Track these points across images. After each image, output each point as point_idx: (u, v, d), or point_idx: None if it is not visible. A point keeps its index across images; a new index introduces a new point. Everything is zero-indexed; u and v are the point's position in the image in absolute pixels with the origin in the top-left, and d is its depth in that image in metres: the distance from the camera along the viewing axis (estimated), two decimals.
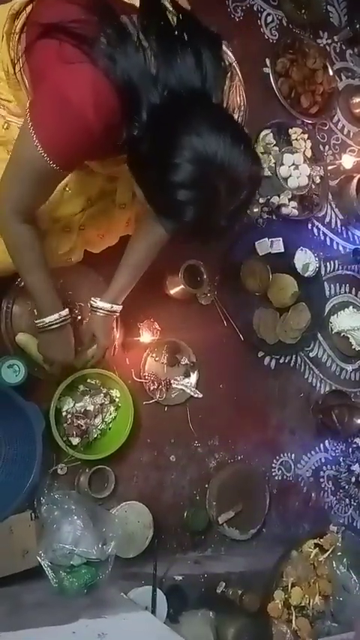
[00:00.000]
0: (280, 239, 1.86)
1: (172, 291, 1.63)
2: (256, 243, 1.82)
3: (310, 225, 2.01)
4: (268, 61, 1.96)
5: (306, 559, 1.63)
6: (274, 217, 1.91)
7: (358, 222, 2.09)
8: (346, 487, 1.92)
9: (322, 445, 1.91)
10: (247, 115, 1.32)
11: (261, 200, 1.87)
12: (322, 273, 1.98)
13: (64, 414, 1.43)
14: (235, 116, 1.26)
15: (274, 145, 1.91)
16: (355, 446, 1.96)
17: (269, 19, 2.01)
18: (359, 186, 2.04)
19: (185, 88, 0.89)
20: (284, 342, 1.83)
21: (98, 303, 1.38)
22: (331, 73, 2.07)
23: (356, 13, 2.20)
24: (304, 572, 1.59)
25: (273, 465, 1.80)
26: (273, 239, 1.85)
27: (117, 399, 1.51)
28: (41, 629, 1.08)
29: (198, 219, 0.87)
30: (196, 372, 1.66)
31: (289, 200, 1.91)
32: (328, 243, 2.04)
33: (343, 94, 2.16)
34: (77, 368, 1.44)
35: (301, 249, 1.89)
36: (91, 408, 1.46)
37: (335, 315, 1.99)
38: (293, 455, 1.84)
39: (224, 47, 1.05)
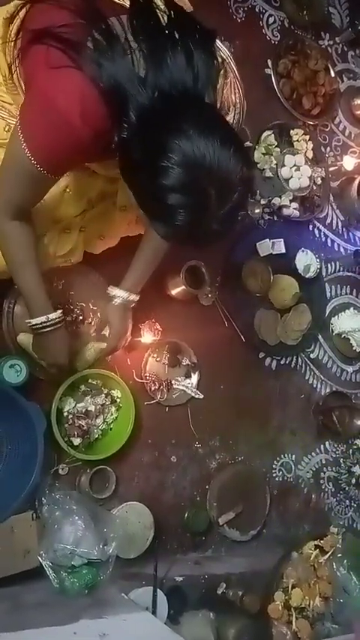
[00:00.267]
0: (282, 240, 1.86)
1: (174, 292, 1.63)
2: (257, 244, 1.82)
3: (311, 227, 2.01)
4: (269, 62, 1.96)
5: (306, 560, 1.63)
6: (275, 218, 1.91)
7: (359, 223, 2.09)
8: (347, 489, 1.92)
9: (322, 446, 1.91)
10: (245, 113, 1.28)
11: (262, 201, 1.87)
12: (323, 274, 1.98)
13: (65, 414, 1.44)
14: (231, 114, 1.24)
15: (276, 146, 1.91)
16: (355, 447, 1.96)
17: (271, 20, 2.02)
18: None
19: (176, 88, 0.87)
20: (285, 343, 1.83)
21: (115, 291, 1.36)
22: (332, 74, 2.07)
23: (358, 14, 2.20)
24: (304, 574, 1.60)
25: (273, 466, 1.80)
26: (274, 240, 1.85)
27: (118, 400, 1.51)
28: (42, 629, 1.08)
29: (190, 223, 0.87)
30: (197, 372, 1.66)
31: (291, 201, 1.91)
32: (329, 244, 2.04)
33: (344, 95, 2.16)
34: (78, 369, 1.44)
35: (303, 251, 1.90)
36: (92, 408, 1.46)
37: (336, 316, 1.99)
38: (294, 456, 1.84)
39: (218, 43, 1.04)
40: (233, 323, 1.75)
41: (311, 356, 1.93)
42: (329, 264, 2.02)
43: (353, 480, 1.91)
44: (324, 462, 1.90)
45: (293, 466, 1.83)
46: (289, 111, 1.97)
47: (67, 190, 1.22)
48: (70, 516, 1.30)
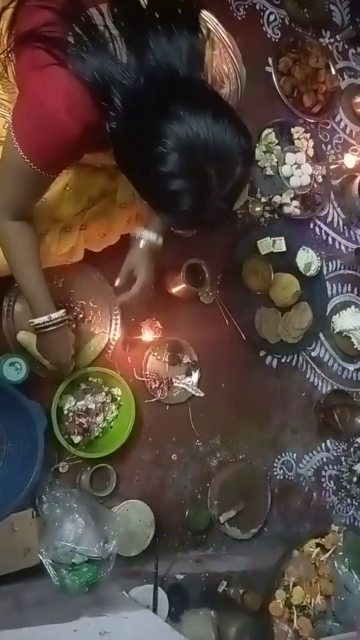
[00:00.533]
0: (282, 238, 1.85)
1: (174, 290, 1.63)
2: (258, 242, 1.82)
3: (312, 225, 2.01)
4: (270, 60, 1.95)
5: (307, 559, 1.63)
6: (276, 216, 1.90)
7: None
8: (348, 487, 1.92)
9: (323, 445, 1.90)
10: (244, 81, 1.21)
11: (263, 199, 1.87)
12: (324, 272, 1.98)
13: (65, 412, 1.44)
14: (226, 87, 1.20)
15: (277, 144, 1.91)
16: (356, 445, 1.96)
17: (272, 17, 2.01)
18: None
19: (161, 69, 0.86)
20: (286, 342, 1.82)
21: (144, 233, 1.29)
22: (333, 72, 2.07)
23: (359, 12, 2.19)
24: (305, 572, 1.59)
25: (274, 464, 1.79)
26: (275, 238, 1.84)
27: (118, 398, 1.51)
28: (43, 626, 1.09)
29: (196, 206, 0.86)
30: (197, 370, 1.66)
31: (291, 199, 1.90)
32: (330, 242, 2.04)
33: (345, 93, 2.16)
34: (79, 367, 1.44)
35: (303, 249, 1.89)
36: (92, 406, 1.46)
37: (337, 314, 1.99)
38: (295, 454, 1.84)
39: (206, 14, 1.02)
40: (234, 321, 1.75)
41: (312, 354, 1.93)
42: (330, 263, 2.02)
43: (354, 478, 1.91)
44: (325, 460, 1.90)
45: (294, 464, 1.83)
46: (289, 109, 1.97)
47: (67, 189, 1.22)
48: (70, 514, 1.29)
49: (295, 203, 1.91)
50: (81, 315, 1.50)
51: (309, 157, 1.94)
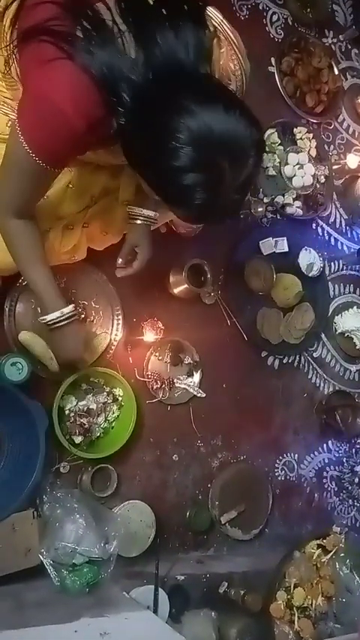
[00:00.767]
0: (285, 238, 1.85)
1: (176, 290, 1.63)
2: (260, 242, 1.82)
3: (314, 225, 2.00)
4: (273, 60, 1.95)
5: (309, 560, 1.63)
6: (278, 217, 1.90)
7: None
8: (350, 488, 1.92)
9: (325, 445, 1.90)
10: (248, 78, 1.22)
11: (265, 199, 1.86)
12: (327, 273, 1.97)
13: (66, 412, 1.43)
14: (232, 84, 1.20)
15: (279, 144, 1.90)
16: (358, 446, 1.96)
17: (275, 17, 2.01)
18: None
19: (169, 65, 0.86)
20: (288, 342, 1.82)
21: (144, 211, 1.30)
22: (336, 72, 2.06)
23: None
24: (306, 573, 1.59)
25: (276, 465, 1.79)
26: (277, 238, 1.84)
27: (120, 398, 1.51)
28: (43, 627, 1.09)
29: (209, 199, 0.86)
30: (199, 371, 1.65)
31: (294, 199, 1.90)
32: (333, 243, 2.03)
33: (348, 93, 2.15)
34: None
35: (306, 249, 1.89)
36: (94, 406, 1.46)
37: (339, 315, 1.98)
38: (296, 455, 1.83)
39: (211, 10, 1.02)
40: (236, 322, 1.75)
41: (314, 355, 1.92)
42: (332, 263, 2.01)
43: (356, 479, 1.91)
44: (327, 461, 1.90)
45: (296, 465, 1.83)
46: (292, 109, 1.96)
47: (70, 186, 1.22)
48: (71, 514, 1.29)
49: (298, 203, 1.91)
50: (83, 315, 1.50)
51: (311, 157, 1.93)
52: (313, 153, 1.97)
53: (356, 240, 2.08)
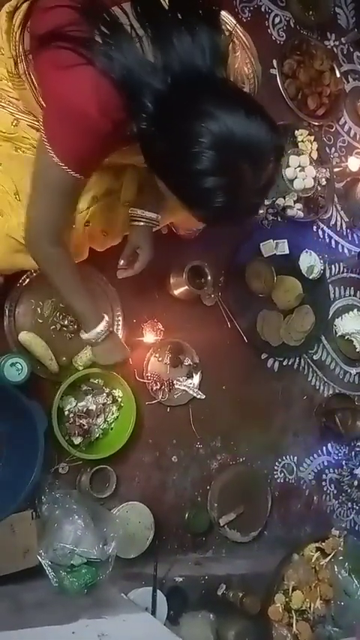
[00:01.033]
0: (285, 241, 1.85)
1: (176, 292, 1.63)
2: (260, 244, 1.82)
3: (315, 228, 2.00)
4: (275, 62, 1.95)
5: (307, 562, 1.63)
6: (279, 219, 1.90)
7: None
8: (349, 491, 1.91)
9: (324, 448, 1.90)
10: (260, 80, 1.24)
11: (266, 202, 1.86)
12: (327, 275, 1.97)
13: (66, 413, 1.43)
14: (246, 88, 1.22)
15: None
16: (358, 449, 1.95)
17: (277, 20, 2.01)
18: None
19: (187, 69, 0.87)
20: (288, 345, 1.82)
21: (146, 213, 1.31)
22: (338, 74, 2.06)
23: None
24: (305, 576, 1.59)
25: (275, 467, 1.79)
26: (278, 241, 1.84)
27: (119, 399, 1.51)
28: (41, 628, 1.08)
29: (229, 202, 0.86)
30: (199, 373, 1.65)
31: (295, 202, 1.90)
32: (333, 245, 2.03)
33: (350, 96, 2.15)
34: (78, 369, 1.44)
35: (306, 252, 1.89)
36: (93, 407, 1.46)
37: (339, 317, 1.98)
38: (296, 457, 1.83)
39: (224, 14, 1.03)
40: (236, 323, 1.75)
41: (314, 357, 1.92)
42: (333, 266, 2.01)
43: (355, 482, 1.91)
44: (326, 463, 1.89)
45: (295, 468, 1.83)
46: (294, 111, 1.96)
47: None
48: (70, 515, 1.29)
49: (299, 206, 1.91)
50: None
51: (313, 160, 1.93)
52: (315, 155, 1.97)
53: (357, 243, 2.08)
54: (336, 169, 2.04)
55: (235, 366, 1.75)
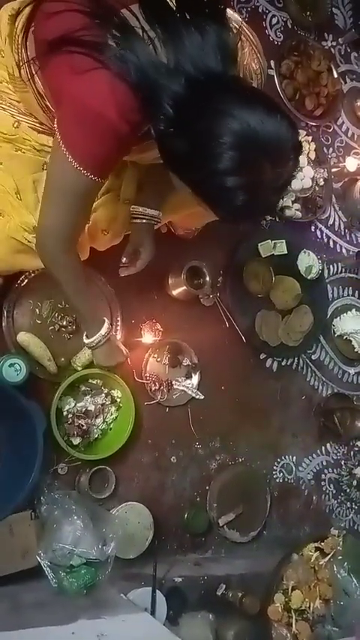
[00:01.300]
0: (284, 241, 1.85)
1: (175, 292, 1.63)
2: (259, 244, 1.82)
3: (313, 228, 2.01)
4: (272, 63, 1.95)
5: (307, 562, 1.63)
6: (277, 219, 1.90)
7: None
8: (348, 490, 1.91)
9: (323, 448, 1.90)
10: (265, 76, 1.27)
11: None
12: (325, 275, 1.98)
13: (65, 413, 1.43)
14: (254, 83, 1.23)
15: None
16: (356, 449, 1.95)
17: (274, 20, 2.01)
18: None
19: (200, 69, 0.87)
20: (286, 345, 1.82)
21: (148, 210, 1.31)
22: (335, 75, 2.07)
23: None
24: (304, 576, 1.59)
25: (274, 467, 1.79)
26: (276, 241, 1.84)
27: (118, 400, 1.51)
28: (40, 629, 1.08)
29: (250, 200, 0.86)
30: (197, 373, 1.65)
31: (293, 202, 1.90)
32: (332, 245, 2.04)
33: (347, 96, 2.16)
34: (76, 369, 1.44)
35: (305, 252, 1.89)
36: (92, 408, 1.46)
37: (338, 317, 1.99)
38: (294, 457, 1.83)
39: (229, 12, 1.03)
40: (234, 324, 1.75)
41: (313, 357, 1.92)
42: (331, 266, 2.02)
43: (354, 482, 1.91)
44: (325, 463, 1.90)
45: (294, 467, 1.83)
46: (291, 112, 1.96)
47: None
48: (69, 516, 1.29)
49: (297, 206, 1.91)
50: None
51: (311, 160, 1.94)
52: (313, 156, 1.97)
53: (355, 243, 2.09)
54: (334, 169, 2.05)
55: (233, 367, 1.75)
